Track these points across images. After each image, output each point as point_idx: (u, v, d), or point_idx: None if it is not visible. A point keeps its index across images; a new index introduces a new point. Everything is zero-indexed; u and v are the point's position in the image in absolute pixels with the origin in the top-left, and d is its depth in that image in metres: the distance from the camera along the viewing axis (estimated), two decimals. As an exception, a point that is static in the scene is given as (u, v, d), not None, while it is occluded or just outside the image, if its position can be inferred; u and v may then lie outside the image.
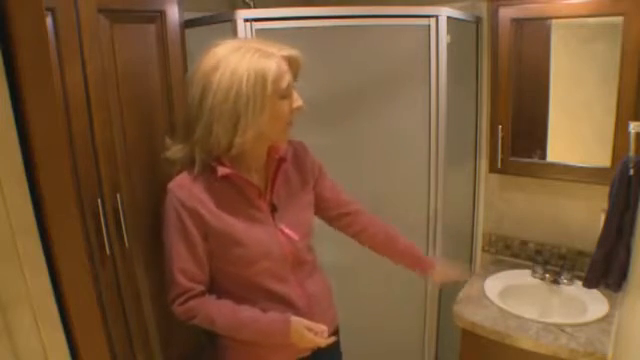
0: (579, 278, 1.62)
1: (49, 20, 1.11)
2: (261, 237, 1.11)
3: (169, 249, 1.11)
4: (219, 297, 1.15)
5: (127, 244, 1.35)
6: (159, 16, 1.38)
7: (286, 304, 1.17)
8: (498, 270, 1.85)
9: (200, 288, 1.13)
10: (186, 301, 1.12)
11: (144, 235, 1.42)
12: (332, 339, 1.16)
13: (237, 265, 1.13)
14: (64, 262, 0.57)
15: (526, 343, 1.44)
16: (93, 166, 1.26)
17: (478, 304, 1.64)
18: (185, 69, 1.47)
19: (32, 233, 0.54)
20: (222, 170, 1.07)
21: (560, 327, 1.46)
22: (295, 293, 1.18)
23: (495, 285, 1.74)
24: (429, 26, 1.51)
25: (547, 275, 1.74)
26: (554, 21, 1.67)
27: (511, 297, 1.69)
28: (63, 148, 0.60)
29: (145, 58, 1.37)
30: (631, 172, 1.24)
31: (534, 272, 1.78)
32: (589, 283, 1.40)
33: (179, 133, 1.14)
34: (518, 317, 1.54)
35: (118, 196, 1.31)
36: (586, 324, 1.47)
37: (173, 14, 1.41)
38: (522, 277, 1.80)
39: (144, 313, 1.45)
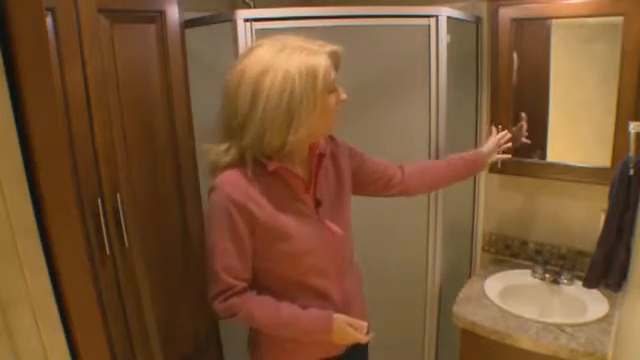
0: (579, 278, 1.62)
1: (49, 20, 1.11)
2: (308, 231, 1.12)
3: (213, 246, 1.09)
4: (259, 293, 1.14)
5: (127, 244, 1.35)
6: (159, 16, 1.38)
7: (325, 299, 1.17)
8: (498, 270, 1.86)
9: (242, 285, 1.11)
10: (228, 298, 1.11)
11: (144, 235, 1.42)
12: (371, 335, 1.18)
13: (281, 260, 1.13)
14: (64, 262, 0.57)
15: (526, 343, 1.44)
16: (93, 166, 1.26)
17: (478, 304, 1.64)
18: (185, 69, 1.47)
19: (32, 233, 0.54)
20: (272, 165, 1.07)
21: (560, 327, 1.46)
22: (334, 288, 1.19)
23: (495, 285, 1.74)
24: (429, 26, 1.51)
25: (547, 275, 1.74)
26: (554, 21, 1.66)
27: (511, 297, 1.69)
28: (63, 148, 0.60)
29: (145, 58, 1.37)
30: (631, 172, 1.24)
31: (534, 272, 1.78)
32: (589, 283, 1.40)
33: (221, 136, 1.10)
34: (518, 317, 1.54)
35: (118, 196, 1.32)
36: (586, 324, 1.47)
37: (173, 14, 1.41)
38: (522, 277, 1.80)
39: (144, 313, 1.45)
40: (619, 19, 1.49)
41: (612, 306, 1.53)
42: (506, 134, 1.62)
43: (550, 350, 1.40)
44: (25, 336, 0.53)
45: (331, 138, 1.25)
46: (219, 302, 1.11)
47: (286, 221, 1.10)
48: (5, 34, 0.51)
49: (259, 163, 1.08)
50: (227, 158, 1.07)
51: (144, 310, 1.45)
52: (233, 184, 1.06)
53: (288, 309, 1.12)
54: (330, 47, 1.07)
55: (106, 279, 1.33)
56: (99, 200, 1.27)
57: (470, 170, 1.55)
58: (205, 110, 1.57)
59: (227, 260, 1.08)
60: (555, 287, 1.72)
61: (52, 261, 0.56)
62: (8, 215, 0.51)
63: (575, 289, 1.67)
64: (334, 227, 1.16)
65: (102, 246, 1.29)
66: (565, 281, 1.71)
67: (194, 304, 1.61)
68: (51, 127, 0.56)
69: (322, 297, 1.17)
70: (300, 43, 1.03)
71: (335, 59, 1.09)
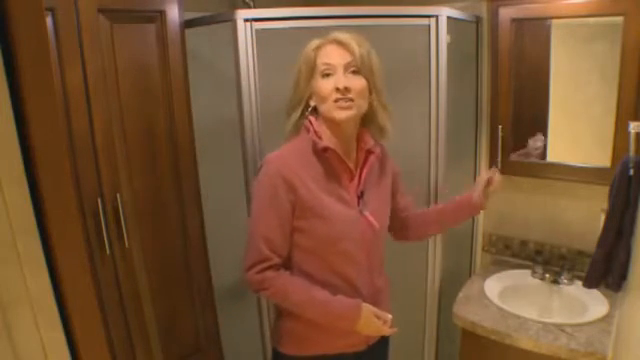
0: (579, 278, 1.62)
1: (49, 20, 1.11)
2: (346, 217, 1.17)
3: (257, 217, 1.15)
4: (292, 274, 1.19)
5: (127, 244, 1.35)
6: (159, 16, 1.38)
7: (353, 289, 1.20)
8: (498, 270, 1.85)
9: (278, 260, 1.15)
10: (263, 270, 1.14)
11: (144, 235, 1.42)
12: (395, 329, 1.22)
13: (318, 242, 1.16)
14: (64, 262, 0.57)
15: (526, 343, 1.44)
16: (93, 166, 1.26)
17: (478, 304, 1.64)
18: (185, 69, 1.47)
19: (32, 233, 0.54)
20: (321, 143, 1.15)
21: (560, 327, 1.46)
22: (364, 280, 1.22)
23: (495, 285, 1.74)
24: (429, 26, 1.51)
25: (547, 275, 1.74)
26: (554, 21, 1.66)
27: (511, 297, 1.69)
28: (63, 148, 0.60)
29: (145, 58, 1.37)
30: (631, 172, 1.24)
31: (534, 272, 1.78)
32: (589, 283, 1.39)
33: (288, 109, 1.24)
34: (518, 317, 1.54)
35: (118, 196, 1.32)
36: (586, 324, 1.47)
37: (173, 14, 1.41)
38: (522, 277, 1.80)
39: (144, 313, 1.45)
40: (619, 19, 1.49)
41: (612, 306, 1.53)
42: (494, 174, 1.40)
43: (550, 350, 1.40)
44: (25, 336, 0.53)
45: (383, 147, 1.30)
46: (254, 273, 1.14)
47: (327, 202, 1.15)
48: (5, 34, 0.51)
49: (310, 142, 1.16)
50: (288, 128, 1.22)
51: (144, 310, 1.45)
52: (283, 159, 1.15)
53: (320, 292, 1.15)
54: (337, 34, 1.15)
55: (106, 279, 1.33)
56: (99, 200, 1.27)
57: (461, 217, 1.43)
58: (205, 110, 1.58)
59: (269, 232, 1.13)
60: (555, 287, 1.71)
61: (52, 261, 0.56)
62: (8, 215, 0.51)
63: (575, 289, 1.67)
64: (372, 220, 1.20)
65: (102, 246, 1.29)
66: (565, 281, 1.71)
67: (194, 304, 1.61)
68: (51, 127, 0.56)
69: (350, 286, 1.20)
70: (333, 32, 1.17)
71: (346, 47, 1.13)
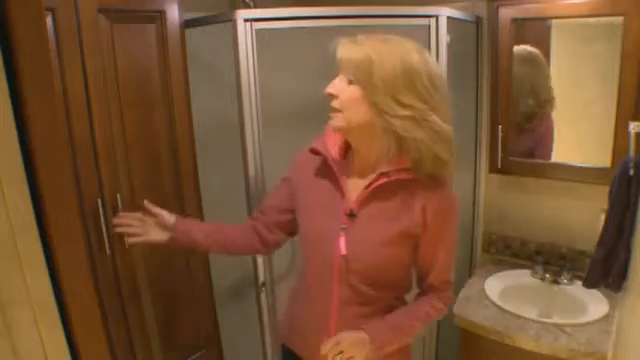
0: (579, 278, 1.62)
1: (49, 20, 1.11)
2: (321, 228, 1.10)
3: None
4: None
5: (127, 244, 1.35)
6: (159, 16, 1.38)
7: (311, 300, 1.15)
8: (498, 270, 1.85)
9: (258, 220, 1.23)
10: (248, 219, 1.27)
11: (144, 235, 1.42)
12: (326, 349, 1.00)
13: (300, 236, 1.17)
14: (64, 262, 0.57)
15: (526, 343, 1.44)
16: (93, 166, 1.26)
17: (478, 304, 1.64)
18: (185, 69, 1.47)
19: (32, 233, 0.54)
20: (314, 144, 1.12)
21: (560, 327, 1.46)
22: (320, 301, 1.11)
23: (495, 285, 1.74)
24: (429, 26, 1.51)
25: (547, 275, 1.74)
26: (554, 21, 1.66)
27: (511, 297, 1.69)
28: (63, 148, 0.60)
29: (145, 58, 1.37)
30: (631, 172, 1.24)
31: (534, 272, 1.78)
32: (589, 283, 1.39)
33: None
34: (518, 317, 1.54)
35: (118, 196, 1.32)
36: (586, 324, 1.47)
37: (173, 14, 1.41)
38: (522, 277, 1.79)
39: (144, 313, 1.45)
40: (619, 19, 1.49)
41: (612, 306, 1.53)
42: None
43: (550, 350, 1.40)
44: (25, 336, 0.53)
45: (445, 199, 1.05)
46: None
47: (311, 203, 1.14)
48: (5, 34, 0.51)
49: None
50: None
51: (144, 310, 1.45)
52: (303, 154, 1.16)
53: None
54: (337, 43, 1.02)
55: (106, 279, 1.33)
56: (99, 200, 1.27)
57: None
58: (205, 110, 1.58)
59: (267, 194, 1.26)
60: (555, 287, 1.71)
61: (52, 261, 0.56)
62: (8, 215, 0.51)
63: (575, 289, 1.67)
64: (342, 244, 1.05)
65: (102, 246, 1.29)
66: (565, 281, 1.71)
67: (194, 304, 1.61)
68: (51, 127, 0.56)
69: (309, 296, 1.15)
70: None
71: (342, 45, 1.00)
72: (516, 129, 1.80)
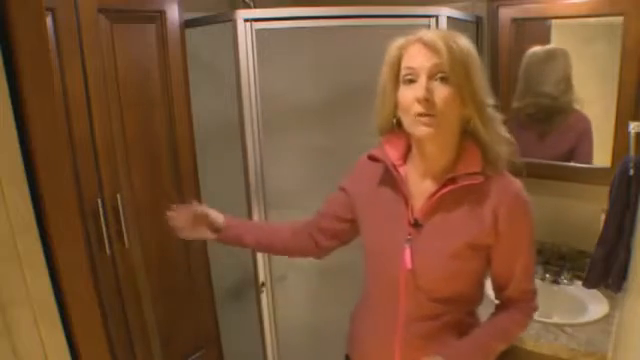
0: (579, 278, 1.62)
1: (49, 20, 1.11)
2: (385, 241, 1.04)
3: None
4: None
5: (127, 244, 1.35)
6: (159, 16, 1.38)
7: (379, 326, 1.07)
8: (498, 270, 1.85)
9: (315, 226, 1.18)
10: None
11: (144, 235, 1.42)
12: None
13: (365, 254, 1.11)
14: (64, 262, 0.57)
15: (526, 343, 1.44)
16: (93, 166, 1.26)
17: (478, 304, 1.64)
18: (185, 69, 1.47)
19: (32, 233, 0.54)
20: (373, 150, 1.06)
21: (560, 327, 1.46)
22: (392, 326, 1.04)
23: (495, 285, 1.73)
24: (429, 26, 1.51)
25: (547, 275, 1.74)
26: (554, 21, 1.66)
27: (511, 297, 1.68)
28: (63, 148, 0.60)
29: (145, 58, 1.37)
30: (631, 172, 1.24)
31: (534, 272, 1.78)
32: (589, 283, 1.39)
33: None
34: (518, 317, 1.54)
35: (118, 196, 1.32)
36: (586, 324, 1.47)
37: (173, 14, 1.41)
38: (522, 277, 1.79)
39: (144, 313, 1.45)
40: (619, 19, 1.49)
41: (612, 306, 1.53)
42: None
43: (550, 350, 1.40)
44: (25, 336, 0.53)
45: (515, 198, 1.01)
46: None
47: (372, 215, 1.08)
48: (5, 34, 0.51)
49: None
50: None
51: (144, 310, 1.45)
52: (361, 160, 1.12)
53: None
54: (415, 34, 0.96)
55: (106, 279, 1.33)
56: (99, 200, 1.27)
57: None
58: (205, 110, 1.58)
59: (327, 200, 1.18)
60: (555, 287, 1.71)
61: (52, 261, 0.56)
62: (8, 215, 0.51)
63: (575, 289, 1.67)
64: (407, 258, 0.98)
65: (102, 246, 1.29)
66: (565, 281, 1.70)
67: (194, 304, 1.61)
68: (51, 127, 0.56)
69: (373, 312, 1.10)
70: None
71: (423, 45, 0.93)
72: (524, 129, 1.79)
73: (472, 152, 0.97)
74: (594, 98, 1.65)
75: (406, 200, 1.01)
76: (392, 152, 1.04)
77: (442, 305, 1.01)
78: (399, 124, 1.00)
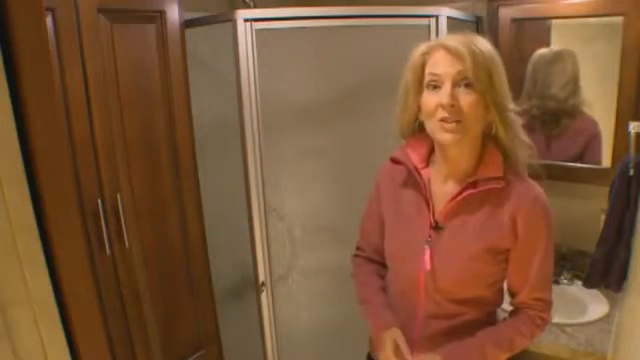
0: (579, 278, 1.62)
1: (49, 20, 1.11)
2: (405, 242, 1.06)
3: (365, 209, 1.19)
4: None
5: (127, 244, 1.35)
6: (159, 16, 1.38)
7: (399, 324, 1.05)
8: (498, 270, 1.85)
9: (368, 254, 1.19)
10: (356, 256, 1.23)
11: (144, 235, 1.42)
12: None
13: (386, 255, 1.14)
14: (64, 262, 0.57)
15: (526, 343, 1.44)
16: (93, 166, 1.27)
17: (478, 304, 1.64)
18: (185, 69, 1.47)
19: (32, 233, 0.54)
20: (396, 153, 1.08)
21: (560, 327, 1.46)
22: (410, 324, 1.06)
23: (495, 285, 1.73)
24: (429, 26, 1.51)
25: (547, 275, 1.74)
26: (554, 21, 1.66)
27: (511, 297, 1.68)
28: (63, 148, 0.60)
29: (145, 58, 1.37)
30: (631, 172, 1.24)
31: (534, 272, 1.78)
32: (589, 283, 1.39)
33: None
34: (518, 317, 1.53)
35: (118, 196, 1.32)
36: (586, 324, 1.47)
37: (173, 14, 1.41)
38: (522, 277, 1.79)
39: (144, 313, 1.45)
40: (619, 19, 1.49)
41: (612, 306, 1.53)
42: None
43: (550, 350, 1.40)
44: (25, 336, 0.53)
45: (533, 201, 0.99)
46: (353, 256, 1.24)
47: (395, 218, 1.09)
48: (5, 34, 0.51)
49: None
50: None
51: (144, 310, 1.45)
52: (385, 166, 1.13)
53: (374, 295, 1.13)
54: (438, 40, 0.98)
55: (106, 279, 1.33)
56: (99, 200, 1.27)
57: None
58: (205, 110, 1.58)
59: (365, 223, 1.19)
60: (555, 287, 1.71)
61: (52, 261, 0.56)
62: (8, 215, 0.51)
63: (575, 289, 1.67)
64: (427, 259, 1.00)
65: (102, 246, 1.29)
66: (565, 281, 1.70)
67: (194, 304, 1.61)
68: (51, 127, 0.56)
69: (402, 320, 1.08)
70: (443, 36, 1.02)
71: (447, 52, 0.93)
72: (529, 131, 1.78)
73: (493, 156, 0.98)
74: (594, 98, 1.65)
75: (427, 202, 1.03)
76: (414, 155, 1.05)
77: (461, 306, 1.03)
78: (421, 128, 1.01)
